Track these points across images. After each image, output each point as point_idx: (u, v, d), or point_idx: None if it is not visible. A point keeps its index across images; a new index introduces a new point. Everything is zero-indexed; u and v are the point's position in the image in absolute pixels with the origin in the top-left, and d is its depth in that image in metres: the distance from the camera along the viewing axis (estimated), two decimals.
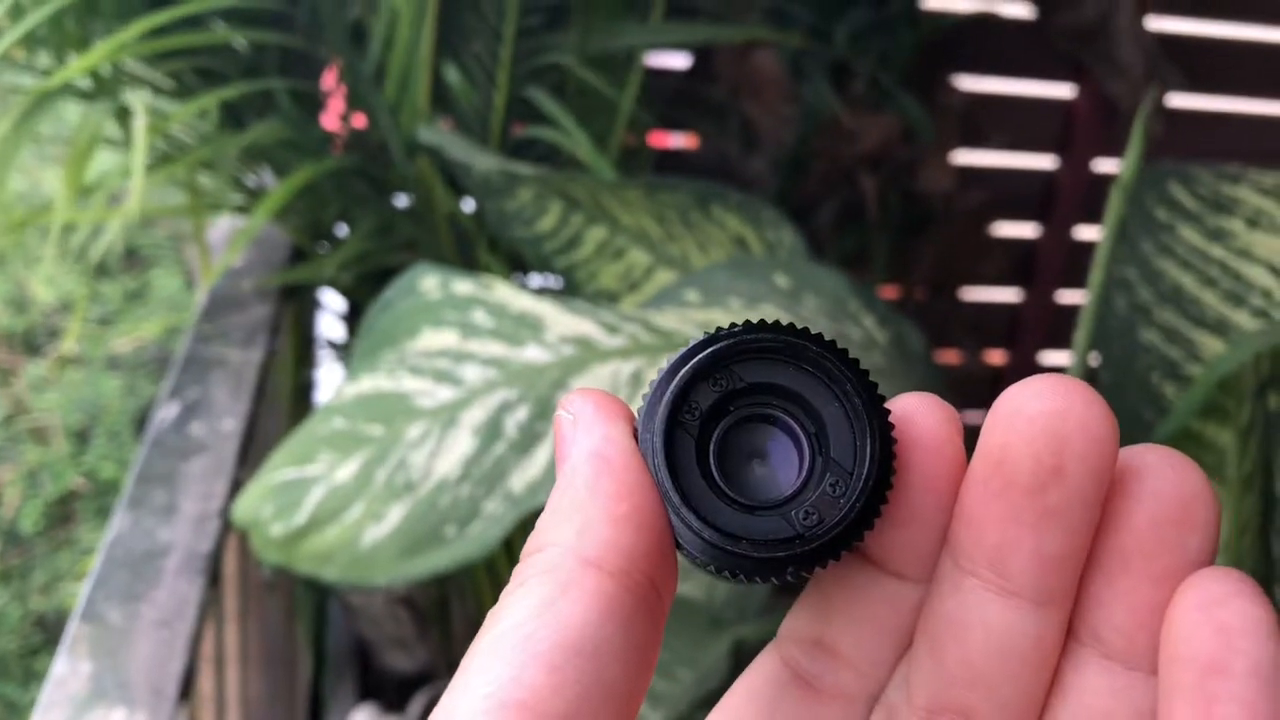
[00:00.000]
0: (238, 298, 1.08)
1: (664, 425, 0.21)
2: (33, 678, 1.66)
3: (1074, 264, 1.57)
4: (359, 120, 1.10)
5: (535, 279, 1.16)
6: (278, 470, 0.66)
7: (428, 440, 0.64)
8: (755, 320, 0.22)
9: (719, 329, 0.21)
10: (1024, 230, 1.58)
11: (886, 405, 0.21)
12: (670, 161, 1.40)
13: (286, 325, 1.16)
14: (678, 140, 1.42)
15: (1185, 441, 0.61)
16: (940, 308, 1.50)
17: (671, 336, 0.66)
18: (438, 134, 0.98)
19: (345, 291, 1.21)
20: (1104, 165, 1.52)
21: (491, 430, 0.63)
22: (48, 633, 1.73)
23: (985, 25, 1.40)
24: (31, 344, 2.24)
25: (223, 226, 1.26)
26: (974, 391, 1.66)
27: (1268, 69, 1.54)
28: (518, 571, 0.20)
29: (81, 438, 2.05)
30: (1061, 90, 1.50)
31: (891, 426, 0.21)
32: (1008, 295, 1.62)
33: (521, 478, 0.62)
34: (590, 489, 0.20)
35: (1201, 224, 0.78)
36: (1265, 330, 0.61)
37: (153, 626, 0.69)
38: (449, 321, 0.67)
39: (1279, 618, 0.18)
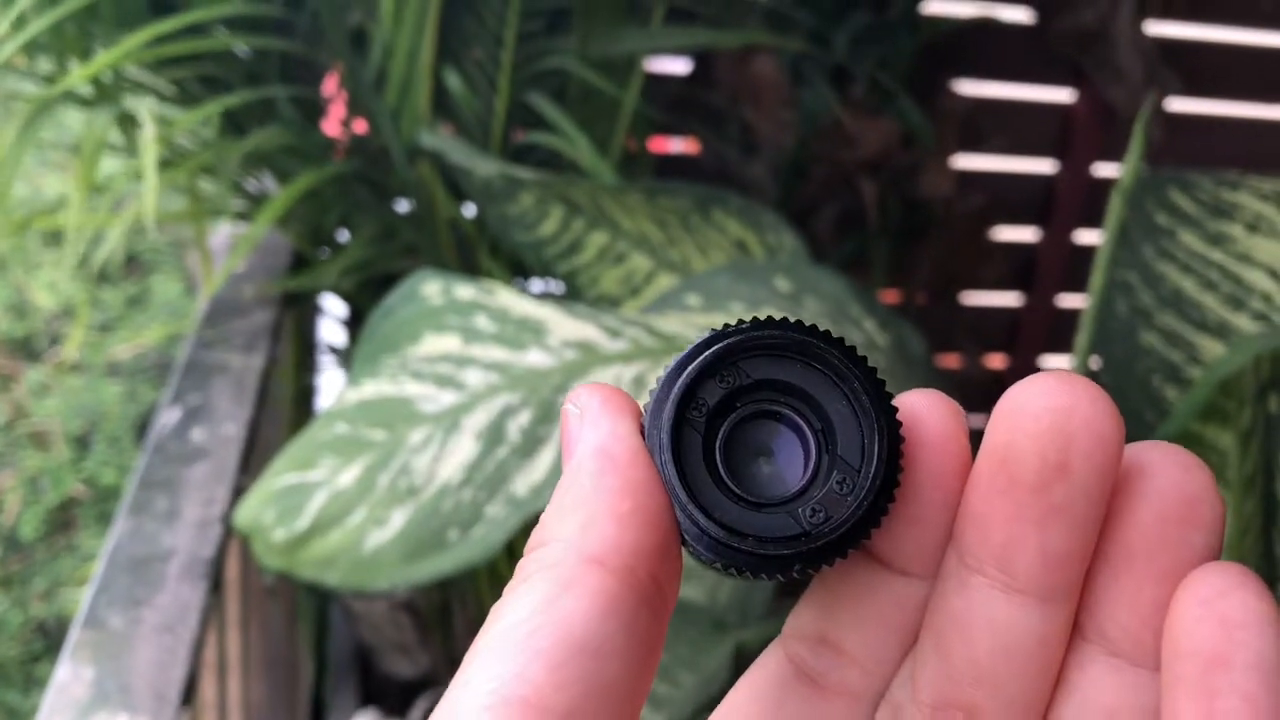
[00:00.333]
0: (239, 303, 1.08)
1: (671, 421, 0.21)
2: (34, 684, 1.66)
3: (1074, 268, 1.58)
4: (360, 126, 1.11)
5: (537, 284, 1.16)
6: (280, 475, 0.66)
7: (430, 445, 0.64)
8: (762, 317, 0.21)
9: (726, 325, 0.21)
10: (1024, 234, 1.58)
11: (893, 403, 0.21)
12: (671, 166, 1.41)
13: (288, 331, 1.16)
14: (678, 145, 1.42)
15: (1186, 444, 0.61)
16: (941, 312, 1.50)
17: (673, 340, 0.66)
18: (439, 139, 0.98)
19: (346, 297, 1.21)
20: (1103, 170, 1.52)
21: (494, 435, 0.63)
22: (49, 639, 1.72)
23: (985, 30, 1.40)
24: (32, 350, 2.24)
25: (224, 232, 1.26)
26: (975, 395, 1.65)
27: (1266, 74, 1.54)
28: (521, 567, 0.20)
29: (82, 443, 2.05)
30: (1061, 95, 1.50)
31: (899, 424, 0.21)
32: (1008, 299, 1.62)
33: (524, 481, 0.62)
34: (595, 485, 0.20)
35: (1202, 229, 0.78)
36: (1265, 333, 0.61)
37: (155, 632, 0.69)
38: (451, 326, 0.67)
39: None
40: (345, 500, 0.63)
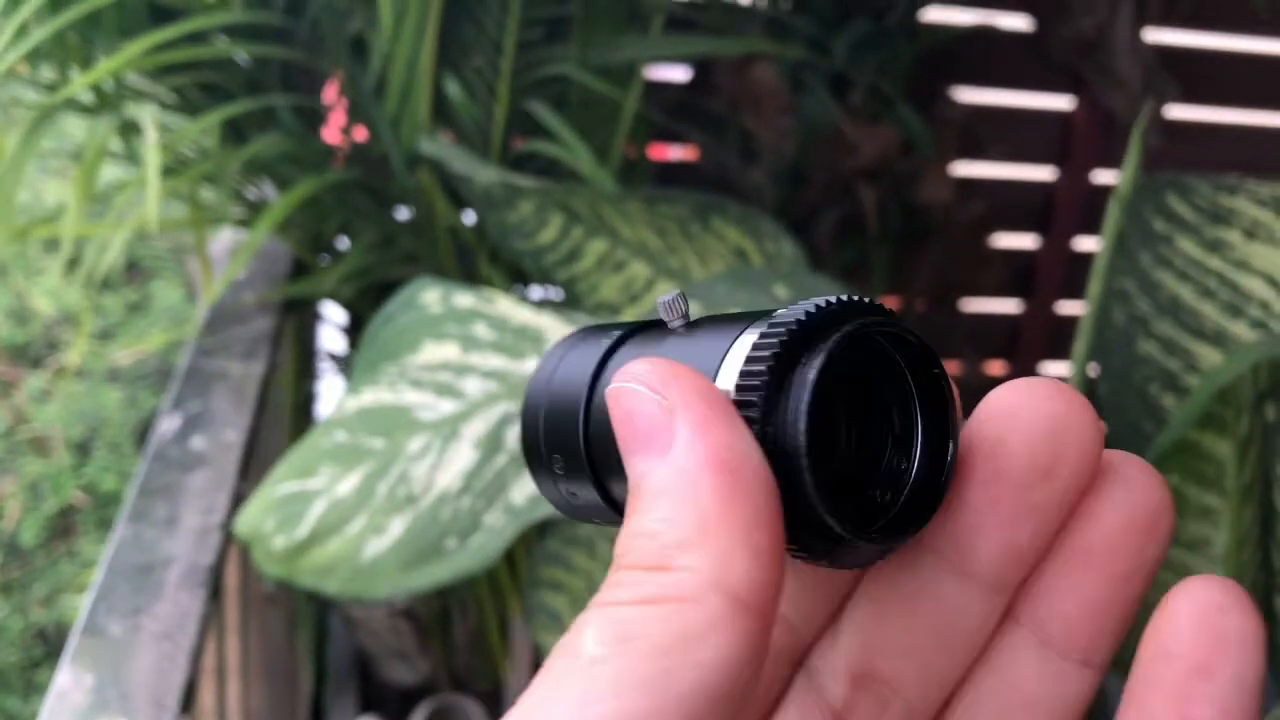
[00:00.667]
0: (239, 310, 1.08)
1: (808, 427, 0.19)
2: (34, 690, 1.66)
3: (1073, 275, 1.58)
4: (360, 134, 1.11)
5: (536, 291, 1.16)
6: (280, 484, 0.66)
7: (429, 453, 0.64)
8: (860, 300, 0.20)
9: (828, 303, 0.20)
10: (1024, 241, 1.58)
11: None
12: (670, 173, 1.41)
13: (288, 338, 1.16)
14: (678, 152, 1.43)
15: (1184, 452, 0.61)
16: (940, 319, 1.50)
17: None
18: (439, 147, 0.98)
19: (346, 304, 1.21)
20: (1102, 177, 1.53)
21: (492, 443, 0.63)
22: (49, 645, 1.72)
23: (984, 38, 1.41)
24: (32, 356, 2.24)
25: (224, 239, 1.27)
26: (974, 402, 1.65)
27: (1265, 80, 1.54)
28: (632, 581, 0.18)
29: (82, 450, 2.05)
30: (1060, 102, 1.50)
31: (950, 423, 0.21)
32: (1007, 306, 1.62)
33: (522, 490, 0.62)
34: (722, 508, 0.18)
35: (1199, 235, 0.79)
36: (1263, 341, 0.61)
37: (154, 639, 0.69)
38: (450, 335, 0.67)
39: (1265, 634, 0.19)
40: (344, 508, 0.63)
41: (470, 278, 1.10)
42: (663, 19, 1.12)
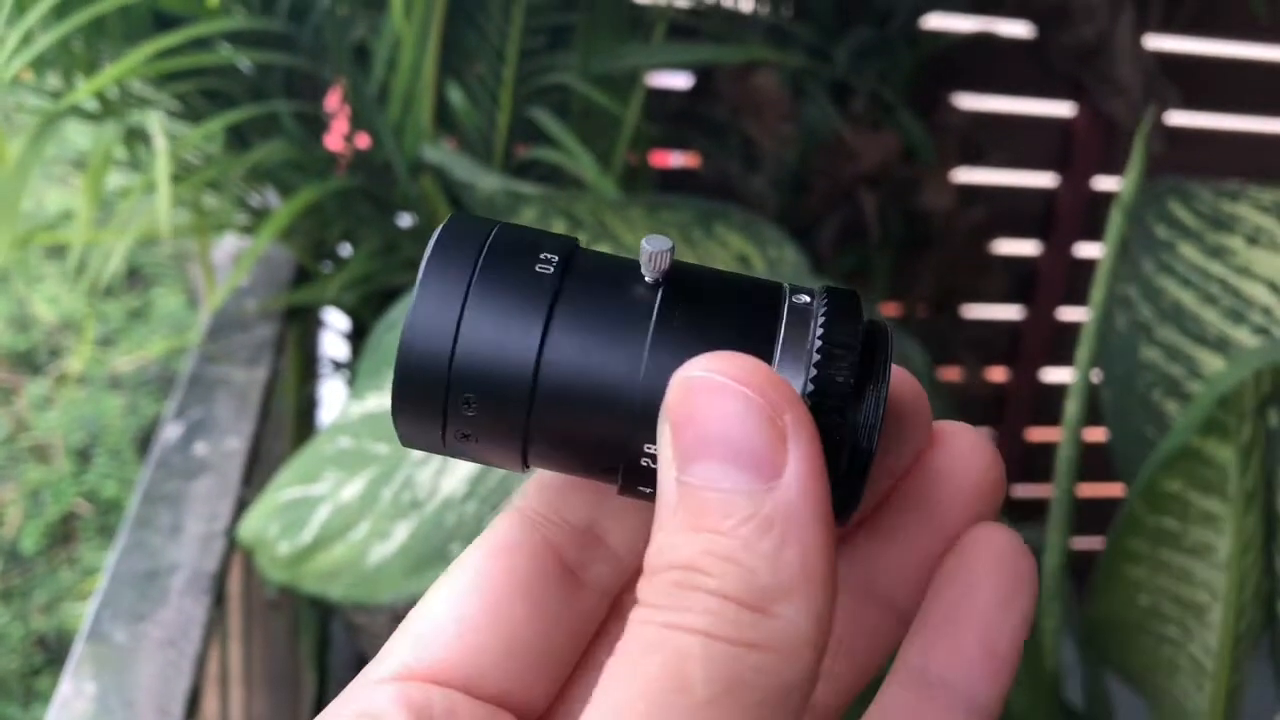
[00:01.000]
0: (242, 317, 1.08)
1: (873, 446, 0.19)
2: (34, 697, 1.66)
3: (1075, 281, 1.58)
4: (363, 140, 1.11)
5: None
6: (284, 489, 0.66)
7: (433, 458, 0.64)
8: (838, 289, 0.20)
9: (850, 295, 0.20)
10: (1025, 248, 1.58)
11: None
12: (672, 180, 1.41)
13: (290, 345, 1.16)
14: (679, 159, 1.43)
15: (1187, 458, 0.61)
16: (941, 325, 1.50)
17: None
18: (442, 154, 0.98)
19: (349, 311, 1.22)
20: (1104, 183, 1.53)
21: None
22: (49, 652, 1.72)
23: (985, 44, 1.41)
24: (33, 363, 2.24)
25: (226, 246, 1.27)
26: (975, 409, 1.66)
27: (1265, 87, 1.55)
28: (736, 617, 0.17)
29: (83, 457, 2.05)
30: (1061, 109, 1.50)
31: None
32: (1009, 313, 1.62)
33: None
34: (821, 558, 0.17)
35: (1201, 241, 0.79)
36: (1265, 347, 0.61)
37: (158, 646, 0.69)
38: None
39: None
40: (348, 514, 0.63)
41: None
42: (664, 27, 1.12)
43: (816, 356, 0.19)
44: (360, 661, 1.35)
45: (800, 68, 1.25)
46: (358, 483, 0.64)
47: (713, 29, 1.21)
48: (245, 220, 1.16)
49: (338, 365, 1.30)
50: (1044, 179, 1.55)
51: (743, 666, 0.17)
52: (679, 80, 1.34)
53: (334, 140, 1.13)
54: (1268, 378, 0.57)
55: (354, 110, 1.08)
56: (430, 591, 0.22)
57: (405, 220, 1.13)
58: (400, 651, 0.21)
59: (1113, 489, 1.46)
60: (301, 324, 1.21)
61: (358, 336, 1.24)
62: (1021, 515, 1.67)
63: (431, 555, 0.61)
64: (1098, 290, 0.74)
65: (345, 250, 1.19)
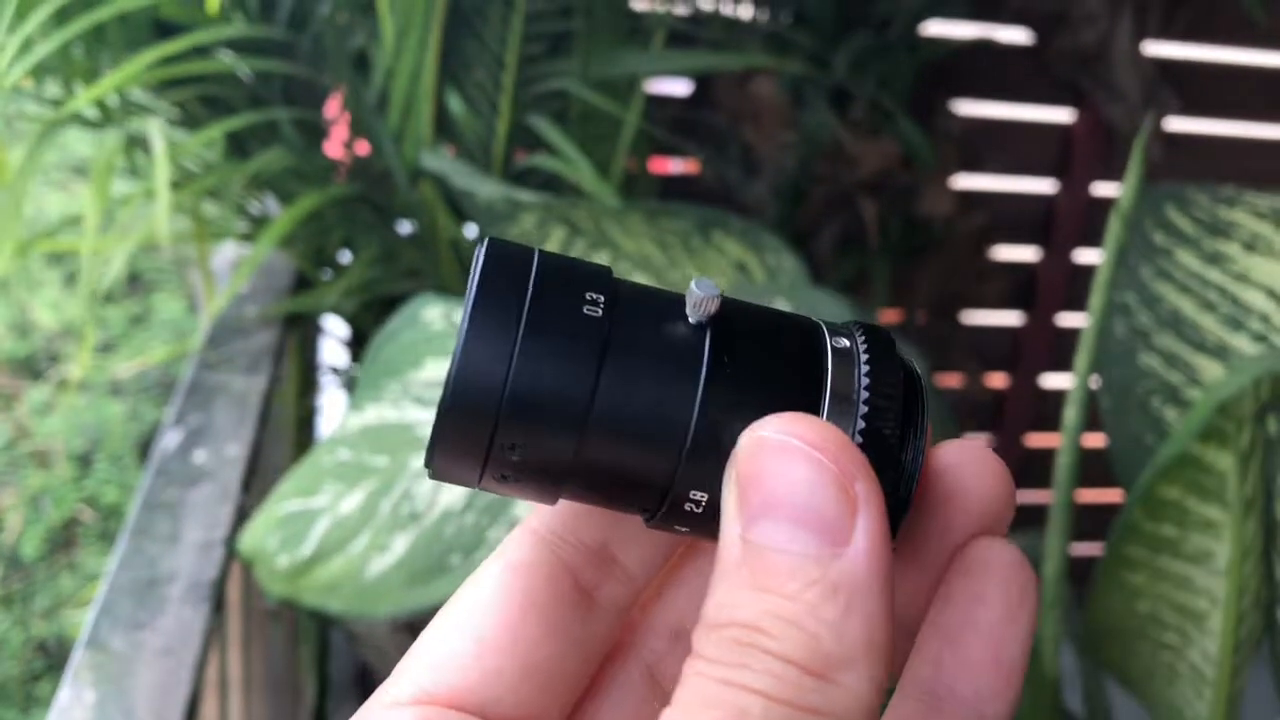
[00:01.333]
0: (242, 324, 1.08)
1: (913, 491, 0.20)
2: (34, 703, 1.65)
3: (1075, 287, 1.58)
4: (362, 148, 1.11)
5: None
6: (283, 502, 0.66)
7: None
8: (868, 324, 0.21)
9: (887, 335, 0.20)
10: (1024, 254, 1.58)
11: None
12: (672, 187, 1.41)
13: (290, 352, 1.16)
14: (679, 166, 1.43)
15: (1186, 465, 0.61)
16: (941, 331, 1.50)
17: None
18: (441, 161, 0.98)
19: (348, 318, 1.22)
20: (1103, 189, 1.53)
21: None
22: (49, 658, 1.72)
23: (984, 50, 1.41)
24: (34, 368, 2.24)
25: (226, 253, 1.27)
26: (975, 415, 1.66)
27: (1264, 93, 1.55)
28: (798, 681, 0.17)
29: (84, 462, 2.05)
30: (1060, 115, 1.51)
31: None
32: (1009, 319, 1.62)
33: (526, 506, 0.62)
34: (883, 630, 0.18)
35: (1199, 248, 0.79)
36: (1265, 355, 0.61)
37: (157, 655, 0.69)
38: (451, 351, 0.67)
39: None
40: (348, 527, 0.63)
41: None
42: (664, 34, 1.13)
43: (864, 409, 0.19)
44: (361, 669, 1.35)
45: (799, 74, 1.26)
46: (357, 495, 0.64)
47: (712, 36, 1.21)
48: (245, 228, 1.16)
49: (337, 373, 1.30)
50: (1043, 185, 1.55)
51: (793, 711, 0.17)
52: (678, 87, 1.34)
53: (333, 147, 1.13)
54: (1267, 385, 0.58)
55: (353, 117, 1.08)
56: (445, 610, 0.22)
57: (405, 227, 1.13)
58: (416, 674, 0.21)
59: (1112, 494, 1.46)
60: (301, 331, 1.21)
61: (357, 344, 1.24)
62: (1021, 521, 1.66)
63: (431, 567, 0.61)
64: (1096, 297, 0.74)
65: (345, 257, 1.19)
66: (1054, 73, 1.41)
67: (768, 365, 0.20)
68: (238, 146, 1.08)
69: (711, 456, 0.19)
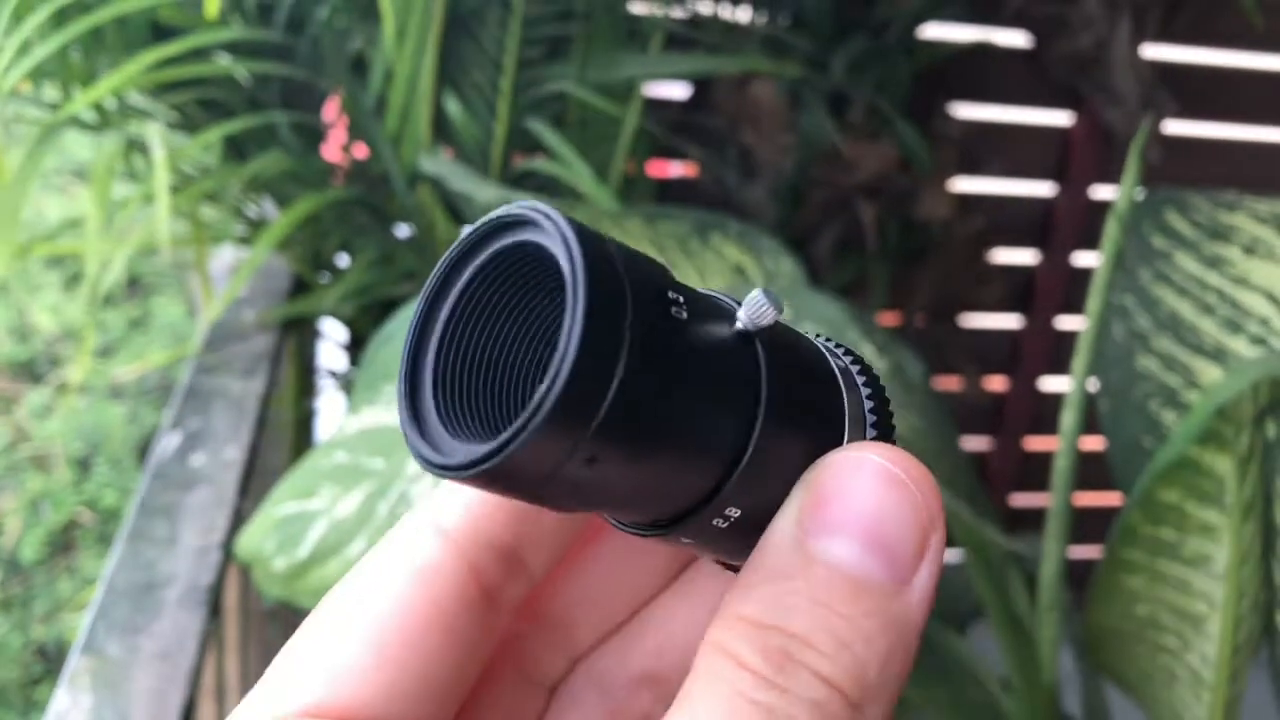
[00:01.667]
0: (239, 328, 1.08)
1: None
2: (33, 707, 1.65)
3: (1074, 290, 1.58)
4: (360, 151, 1.11)
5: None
6: (280, 504, 0.66)
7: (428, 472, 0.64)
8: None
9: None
10: (1023, 257, 1.58)
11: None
12: (670, 190, 1.41)
13: (288, 356, 1.16)
14: (677, 169, 1.43)
15: (1184, 468, 0.61)
16: (940, 334, 1.50)
17: None
18: (439, 165, 0.98)
19: (346, 322, 1.22)
20: (1102, 192, 1.53)
21: None
22: (48, 662, 1.72)
23: (982, 54, 1.41)
24: (33, 372, 2.24)
25: (225, 256, 1.27)
26: (975, 418, 1.66)
27: (1263, 96, 1.55)
28: (836, 709, 0.17)
29: (83, 466, 2.05)
30: (1059, 118, 1.51)
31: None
32: (1007, 322, 1.62)
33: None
34: (907, 672, 0.18)
35: (1198, 251, 0.79)
36: (1264, 358, 0.61)
37: (153, 659, 0.69)
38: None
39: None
40: (345, 529, 0.63)
41: None
42: (662, 37, 1.13)
43: (873, 432, 0.20)
44: None
45: (797, 78, 1.26)
46: (354, 498, 0.64)
47: (710, 39, 1.21)
48: (243, 231, 1.16)
49: (335, 376, 1.30)
50: (1042, 188, 1.55)
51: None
52: (676, 90, 1.34)
53: (331, 151, 1.13)
54: (1266, 389, 0.57)
55: (351, 121, 1.08)
56: (339, 611, 0.20)
57: (403, 231, 1.13)
58: (308, 683, 0.20)
59: (1110, 498, 1.45)
60: (299, 335, 1.21)
61: (355, 347, 1.24)
62: (1019, 524, 1.67)
63: None
64: (1094, 300, 0.74)
65: (343, 261, 1.19)
66: (1052, 76, 1.41)
67: (806, 384, 0.20)
68: (236, 150, 1.08)
69: (761, 472, 0.19)
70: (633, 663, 0.22)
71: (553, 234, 0.18)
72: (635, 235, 0.89)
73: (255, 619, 1.01)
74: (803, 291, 0.82)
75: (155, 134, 0.92)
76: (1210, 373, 0.76)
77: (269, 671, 0.21)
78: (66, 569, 1.87)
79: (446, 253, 0.19)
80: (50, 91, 1.02)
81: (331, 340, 1.31)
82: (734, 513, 0.19)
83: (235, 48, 1.03)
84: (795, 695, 0.17)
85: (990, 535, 0.72)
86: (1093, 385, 0.78)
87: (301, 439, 1.23)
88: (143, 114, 1.04)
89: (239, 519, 0.82)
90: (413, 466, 0.64)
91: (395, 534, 0.21)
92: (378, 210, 1.10)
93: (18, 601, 1.81)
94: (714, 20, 1.24)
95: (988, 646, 0.86)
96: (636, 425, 0.17)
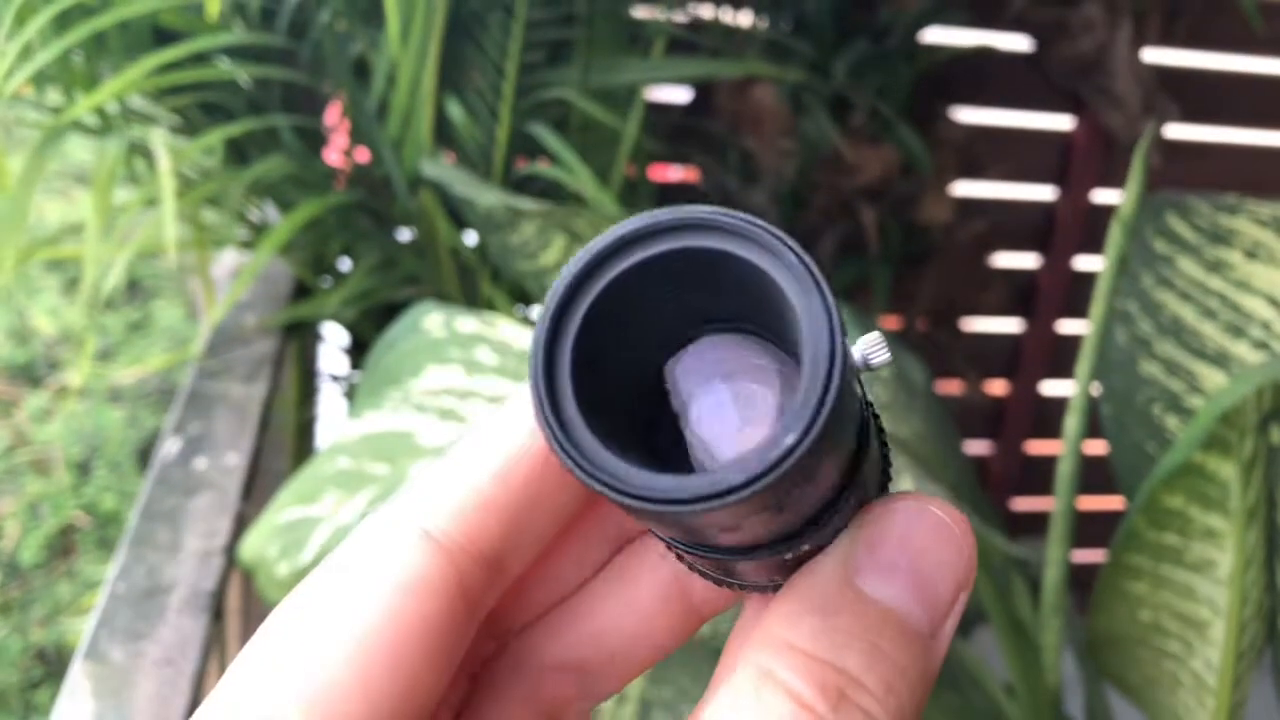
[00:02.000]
0: (241, 332, 1.08)
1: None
2: (33, 711, 1.65)
3: (1075, 294, 1.58)
4: (362, 155, 1.11)
5: (539, 311, 1.16)
6: (284, 509, 0.66)
7: None
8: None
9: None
10: (1024, 261, 1.58)
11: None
12: (671, 194, 1.41)
13: (289, 360, 1.16)
14: (678, 174, 1.43)
15: (1188, 474, 0.61)
16: (941, 338, 1.50)
17: None
18: (441, 169, 0.98)
19: (348, 326, 1.22)
20: (1102, 196, 1.53)
21: None
22: (48, 666, 1.72)
23: (983, 58, 1.41)
24: (33, 375, 2.24)
25: (226, 260, 1.27)
26: (976, 422, 1.66)
27: (1263, 100, 1.55)
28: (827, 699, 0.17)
29: (83, 469, 2.04)
30: (1060, 122, 1.51)
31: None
32: (1009, 325, 1.62)
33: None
34: (932, 681, 0.19)
35: (1200, 256, 0.79)
36: (1267, 363, 0.61)
37: (156, 665, 0.69)
38: (453, 359, 0.67)
39: None
40: (348, 534, 0.63)
41: (472, 299, 1.10)
42: (663, 42, 1.13)
43: (889, 473, 0.20)
44: None
45: (799, 82, 1.26)
46: (357, 503, 0.64)
47: (711, 44, 1.21)
48: (245, 235, 1.16)
49: (337, 380, 1.30)
50: (1043, 192, 1.55)
51: None
52: (678, 95, 1.34)
53: (333, 155, 1.13)
54: (1269, 394, 0.57)
55: (353, 125, 1.08)
56: (320, 622, 0.19)
57: (405, 235, 1.13)
58: (281, 698, 0.18)
59: (1113, 502, 1.45)
60: (301, 339, 1.21)
61: (357, 351, 1.24)
62: (1022, 529, 1.67)
63: None
64: (1097, 305, 0.74)
65: (345, 265, 1.19)
66: (1053, 80, 1.41)
67: (877, 421, 0.20)
68: (237, 154, 1.08)
69: (843, 508, 0.19)
70: (561, 649, 0.22)
71: (781, 266, 0.17)
72: None
73: (258, 624, 1.01)
74: None
75: (158, 139, 0.92)
76: (1213, 378, 0.76)
77: (230, 678, 0.19)
78: (66, 573, 1.87)
79: (604, 240, 0.18)
80: (53, 95, 1.02)
81: (333, 345, 1.31)
82: (805, 546, 0.19)
83: (237, 52, 1.03)
84: None
85: (993, 540, 0.72)
86: (1095, 390, 0.78)
87: (303, 443, 1.23)
88: (145, 118, 1.04)
89: (241, 524, 0.82)
90: (416, 471, 0.64)
91: (376, 535, 0.20)
92: (379, 214, 1.10)
93: (17, 605, 1.80)
94: (715, 24, 1.24)
95: (990, 651, 0.86)
96: (812, 478, 0.17)
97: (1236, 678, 0.66)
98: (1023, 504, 1.72)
